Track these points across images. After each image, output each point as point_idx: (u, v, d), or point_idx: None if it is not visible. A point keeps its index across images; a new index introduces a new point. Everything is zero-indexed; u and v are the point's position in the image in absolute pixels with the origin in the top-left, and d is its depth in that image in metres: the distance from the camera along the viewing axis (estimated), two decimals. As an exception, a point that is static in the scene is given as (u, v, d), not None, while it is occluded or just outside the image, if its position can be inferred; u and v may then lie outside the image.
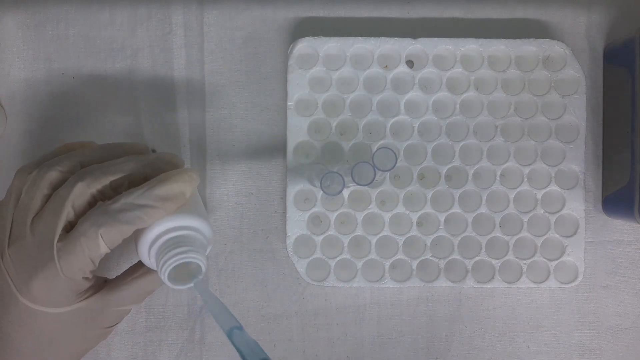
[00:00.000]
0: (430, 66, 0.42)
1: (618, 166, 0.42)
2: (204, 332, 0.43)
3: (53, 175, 0.33)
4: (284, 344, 0.43)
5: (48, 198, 0.33)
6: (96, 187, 0.32)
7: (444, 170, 0.42)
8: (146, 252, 0.33)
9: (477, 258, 0.42)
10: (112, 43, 0.43)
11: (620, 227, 0.44)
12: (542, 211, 0.42)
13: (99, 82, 0.43)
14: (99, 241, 0.31)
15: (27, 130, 0.43)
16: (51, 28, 0.43)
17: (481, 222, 0.42)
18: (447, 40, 0.42)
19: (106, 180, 0.33)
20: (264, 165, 0.43)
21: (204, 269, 0.32)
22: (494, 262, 0.42)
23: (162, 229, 0.32)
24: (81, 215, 0.32)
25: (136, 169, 0.34)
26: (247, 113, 0.43)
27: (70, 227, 0.32)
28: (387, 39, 0.41)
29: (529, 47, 0.42)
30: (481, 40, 0.42)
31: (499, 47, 0.42)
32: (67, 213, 0.31)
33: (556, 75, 0.42)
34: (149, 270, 0.35)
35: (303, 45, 0.41)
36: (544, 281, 0.42)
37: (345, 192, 0.41)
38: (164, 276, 0.31)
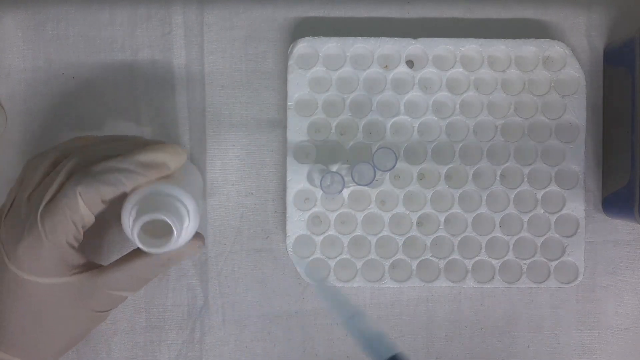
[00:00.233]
0: (430, 66, 0.42)
1: (618, 166, 0.42)
2: (204, 332, 0.43)
3: (53, 155, 0.35)
4: (284, 344, 0.43)
5: (47, 175, 0.34)
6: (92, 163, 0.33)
7: (444, 170, 0.42)
8: (127, 222, 0.33)
9: (477, 258, 0.42)
10: (112, 43, 0.43)
11: (620, 227, 0.44)
12: (542, 211, 0.42)
13: (99, 82, 0.43)
14: (77, 200, 0.32)
15: (27, 130, 0.43)
16: (51, 28, 0.43)
17: (481, 222, 0.42)
18: (447, 40, 0.42)
19: (102, 158, 0.34)
20: (264, 165, 0.43)
21: (175, 232, 0.32)
22: (494, 262, 0.42)
23: (141, 195, 0.33)
24: None
25: (132, 149, 0.35)
26: (247, 113, 0.43)
27: None
28: (387, 39, 0.41)
29: (529, 47, 0.42)
30: (481, 40, 0.42)
31: (499, 47, 0.42)
32: (60, 182, 0.33)
33: (556, 75, 0.42)
34: (141, 255, 0.35)
35: (303, 45, 0.41)
36: (544, 281, 0.42)
37: (345, 192, 0.41)
38: (134, 235, 0.32)
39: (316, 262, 0.42)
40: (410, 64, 0.42)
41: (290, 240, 0.41)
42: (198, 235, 0.37)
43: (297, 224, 0.41)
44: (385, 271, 0.41)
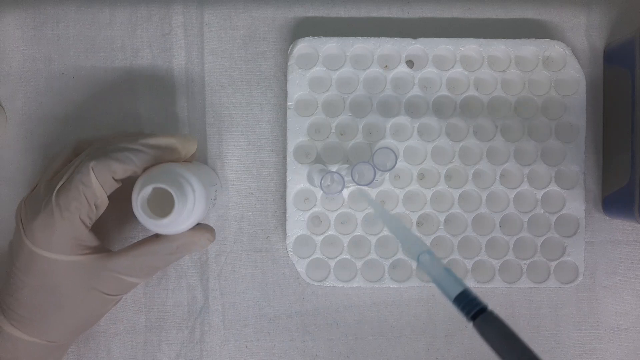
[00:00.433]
0: (430, 66, 0.42)
1: (618, 166, 0.42)
2: (204, 332, 0.43)
3: (74, 145, 0.38)
4: (284, 344, 0.43)
5: (69, 161, 0.37)
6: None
7: (444, 170, 0.42)
8: (134, 200, 0.33)
9: (477, 258, 0.42)
10: (112, 43, 0.43)
11: (620, 227, 0.44)
12: (542, 211, 0.42)
13: (99, 82, 0.43)
14: (90, 175, 0.34)
15: (27, 130, 0.43)
16: (51, 28, 0.43)
17: (481, 222, 0.42)
18: (447, 40, 0.42)
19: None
20: (264, 165, 0.43)
21: (176, 203, 0.33)
22: (494, 262, 0.42)
23: (148, 173, 0.35)
24: None
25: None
26: (247, 113, 0.43)
27: None
28: (387, 39, 0.41)
29: (529, 47, 0.42)
30: (481, 40, 0.42)
31: (499, 47, 0.42)
32: (77, 165, 0.35)
33: (556, 75, 0.42)
34: (150, 242, 0.36)
35: (303, 45, 0.41)
36: (544, 281, 0.42)
37: (345, 192, 0.41)
38: (137, 207, 0.33)
39: (316, 262, 0.42)
40: (410, 64, 0.42)
41: (290, 240, 0.41)
42: (208, 228, 0.38)
43: (297, 224, 0.41)
44: (385, 271, 0.41)
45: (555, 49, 0.42)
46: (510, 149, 0.42)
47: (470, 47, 0.42)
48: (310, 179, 0.41)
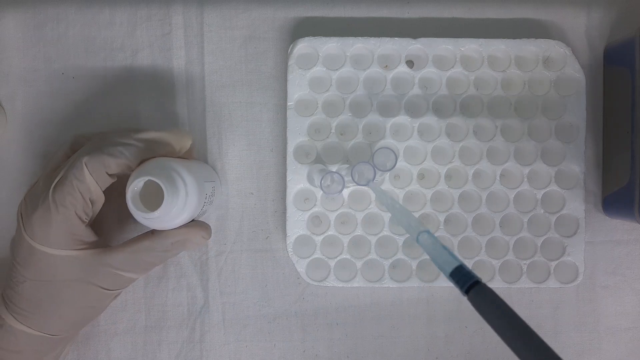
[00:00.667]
0: (430, 66, 0.42)
1: (618, 166, 0.42)
2: (204, 332, 0.43)
3: (71, 141, 0.38)
4: (284, 344, 0.43)
5: (68, 157, 0.37)
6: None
7: (444, 170, 0.42)
8: (128, 195, 0.34)
9: (477, 258, 0.42)
10: (112, 43, 0.43)
11: (620, 227, 0.44)
12: (542, 211, 0.42)
13: (99, 82, 0.43)
14: (84, 170, 0.34)
15: (27, 130, 0.43)
16: (51, 28, 0.43)
17: (481, 222, 0.42)
18: (447, 40, 0.42)
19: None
20: (264, 165, 0.43)
21: (166, 196, 0.33)
22: (494, 262, 0.42)
23: (141, 167, 0.35)
24: None
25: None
26: (247, 113, 0.43)
27: None
28: (387, 39, 0.41)
29: (529, 47, 0.42)
30: (481, 40, 0.42)
31: (499, 47, 0.42)
32: (73, 161, 0.35)
33: (556, 75, 0.42)
34: (146, 238, 0.36)
35: (303, 45, 0.41)
36: (544, 281, 0.42)
37: (345, 192, 0.41)
38: (128, 200, 0.33)
39: (316, 262, 0.42)
40: (410, 64, 0.42)
41: (290, 240, 0.41)
42: (203, 225, 0.38)
43: (297, 224, 0.41)
44: (385, 271, 0.41)
45: (555, 49, 0.42)
46: (510, 149, 0.42)
47: (470, 47, 0.42)
48: (310, 179, 0.41)
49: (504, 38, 0.42)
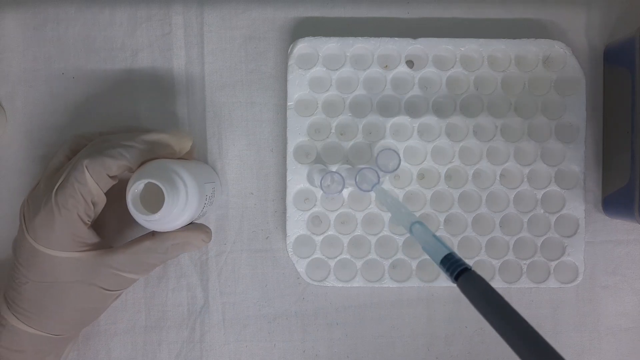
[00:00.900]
0: (430, 66, 0.42)
1: (618, 166, 0.42)
2: (204, 332, 0.43)
3: (72, 142, 0.38)
4: (284, 344, 0.43)
5: (69, 159, 0.37)
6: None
7: (444, 170, 0.42)
8: (128, 198, 0.34)
9: (477, 258, 0.42)
10: (112, 43, 0.43)
11: (620, 227, 0.44)
12: (542, 211, 0.42)
13: (99, 82, 0.43)
14: (85, 173, 0.34)
15: (27, 130, 0.43)
16: (51, 28, 0.43)
17: (481, 222, 0.42)
18: (447, 40, 0.42)
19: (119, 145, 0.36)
20: (264, 165, 0.43)
21: (166, 198, 0.33)
22: (494, 262, 0.42)
23: (141, 169, 0.35)
24: None
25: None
26: (247, 113, 0.43)
27: None
28: (387, 39, 0.41)
29: (529, 47, 0.42)
30: (481, 40, 0.42)
31: (499, 47, 0.42)
32: (74, 163, 0.35)
33: (556, 75, 0.42)
34: (146, 239, 0.37)
35: (303, 45, 0.41)
36: (544, 281, 0.42)
37: (345, 192, 0.41)
38: (128, 202, 0.33)
39: (316, 262, 0.42)
40: (410, 64, 0.42)
41: (290, 240, 0.41)
42: (203, 228, 0.38)
43: (297, 224, 0.41)
44: (385, 271, 0.41)
45: (555, 49, 0.42)
46: (510, 149, 0.42)
47: (470, 47, 0.42)
48: (310, 179, 0.41)
49: (504, 38, 0.42)
